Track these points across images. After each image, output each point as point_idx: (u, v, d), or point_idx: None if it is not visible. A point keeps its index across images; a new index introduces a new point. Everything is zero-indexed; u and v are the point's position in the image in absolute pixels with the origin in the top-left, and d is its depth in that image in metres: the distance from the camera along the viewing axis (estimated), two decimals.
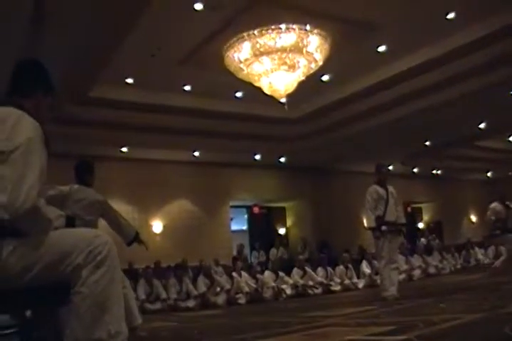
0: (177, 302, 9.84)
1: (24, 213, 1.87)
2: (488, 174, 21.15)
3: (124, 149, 12.85)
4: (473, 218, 21.71)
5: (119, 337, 1.94)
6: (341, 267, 11.74)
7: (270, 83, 8.95)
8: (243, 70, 8.84)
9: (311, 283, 10.92)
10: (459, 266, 14.34)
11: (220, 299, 9.84)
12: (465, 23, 8.53)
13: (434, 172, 19.51)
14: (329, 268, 11.63)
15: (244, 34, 8.21)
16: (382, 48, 9.52)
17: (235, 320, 6.72)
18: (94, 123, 10.85)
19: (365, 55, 9.56)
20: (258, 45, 8.29)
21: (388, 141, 13.83)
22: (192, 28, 8.30)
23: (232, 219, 16.25)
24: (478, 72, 9.76)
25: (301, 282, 10.85)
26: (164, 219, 14.14)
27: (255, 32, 8.15)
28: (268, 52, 8.41)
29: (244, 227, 18.10)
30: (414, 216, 20.34)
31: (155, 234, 13.72)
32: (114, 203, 5.28)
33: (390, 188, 7.31)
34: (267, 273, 11.07)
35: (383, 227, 6.96)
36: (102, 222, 4.94)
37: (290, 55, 8.45)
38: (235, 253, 14.44)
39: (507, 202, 9.22)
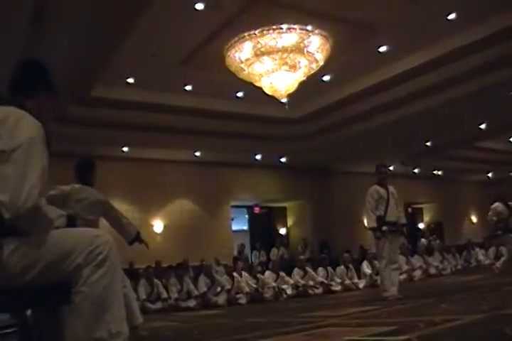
0: (178, 301, 9.84)
1: (25, 212, 1.87)
2: (489, 175, 21.15)
3: (125, 149, 12.86)
4: (474, 219, 21.72)
5: (119, 337, 1.94)
6: (342, 267, 11.74)
7: (271, 83, 8.95)
8: (244, 70, 8.85)
9: (311, 283, 10.93)
10: (459, 267, 14.34)
11: (221, 299, 9.85)
12: (465, 24, 8.54)
13: (435, 172, 19.50)
14: (330, 268, 11.63)
15: (246, 34, 8.21)
16: (383, 49, 9.53)
17: (236, 319, 6.72)
18: (96, 123, 10.86)
19: (366, 55, 9.57)
20: (259, 45, 8.30)
21: (389, 141, 13.83)
22: (193, 28, 8.31)
23: (233, 219, 16.25)
24: (478, 73, 9.76)
25: (302, 282, 10.86)
26: (165, 218, 14.14)
27: (256, 32, 8.16)
28: (269, 52, 8.42)
29: (245, 227, 18.11)
30: (414, 216, 20.35)
31: (156, 233, 13.73)
32: (115, 203, 5.28)
33: (391, 188, 7.31)
34: (267, 273, 11.08)
35: (384, 227, 6.96)
36: (103, 222, 4.94)
37: (291, 55, 8.45)
38: (235, 253, 14.46)
39: (509, 203, 9.22)
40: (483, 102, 11.48)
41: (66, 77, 8.03)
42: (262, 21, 7.97)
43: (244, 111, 11.56)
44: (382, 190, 7.19)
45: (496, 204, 9.28)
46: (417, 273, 12.44)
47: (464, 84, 10.24)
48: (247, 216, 17.81)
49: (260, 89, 9.26)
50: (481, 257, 14.92)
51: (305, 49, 8.43)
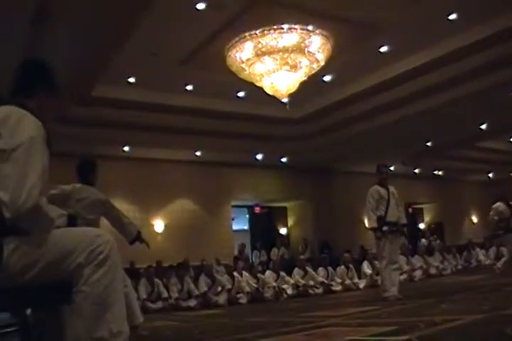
0: (178, 301, 9.85)
1: (26, 212, 1.87)
2: (490, 175, 21.14)
3: (126, 148, 12.87)
4: (475, 219, 21.71)
5: (120, 336, 1.95)
6: (342, 267, 11.75)
7: (272, 83, 8.95)
8: (245, 70, 8.85)
9: (312, 283, 10.93)
10: (460, 267, 14.34)
11: (221, 298, 9.85)
12: (467, 24, 8.54)
13: (436, 172, 19.50)
14: (330, 268, 11.64)
15: (246, 34, 8.21)
16: (384, 49, 9.53)
17: (236, 319, 6.73)
18: (96, 122, 10.86)
19: (367, 55, 9.57)
20: (260, 45, 8.29)
21: (390, 141, 13.82)
22: (194, 28, 8.31)
23: (233, 219, 16.26)
24: (480, 73, 9.76)
25: (302, 282, 10.86)
26: (166, 218, 14.15)
27: (257, 32, 8.15)
28: (270, 52, 8.41)
29: (246, 227, 18.12)
30: (415, 216, 20.34)
31: (156, 233, 13.73)
32: (116, 202, 5.29)
33: (391, 189, 7.31)
34: (268, 272, 11.09)
35: (384, 228, 6.96)
36: (104, 221, 4.95)
37: (292, 55, 8.45)
38: (236, 252, 14.47)
39: (510, 202, 9.23)
40: (485, 102, 11.47)
41: (66, 77, 8.03)
42: (263, 21, 7.97)
43: (245, 111, 11.56)
44: (382, 190, 7.20)
45: (498, 203, 9.30)
46: (418, 274, 12.44)
47: (465, 84, 10.24)
48: (247, 216, 17.81)
49: (261, 89, 9.26)
50: (481, 257, 14.91)
51: (306, 49, 8.43)
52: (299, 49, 8.40)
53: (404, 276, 11.20)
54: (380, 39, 9.14)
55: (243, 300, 10.00)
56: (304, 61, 8.68)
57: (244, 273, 10.70)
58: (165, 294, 9.86)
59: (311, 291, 10.72)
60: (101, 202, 4.82)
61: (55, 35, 7.42)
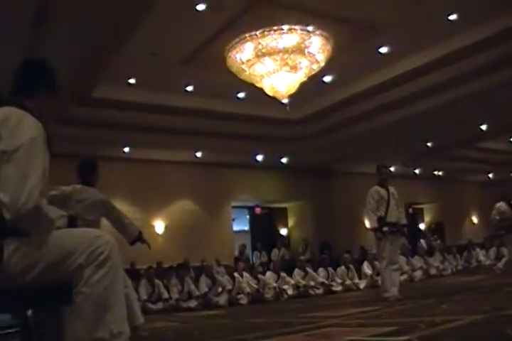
0: (179, 302, 9.85)
1: (26, 213, 1.87)
2: (490, 175, 21.14)
3: (127, 149, 12.87)
4: (475, 219, 21.71)
5: (121, 337, 1.95)
6: (343, 268, 11.75)
7: (272, 84, 8.95)
8: (245, 71, 8.85)
9: (312, 283, 10.93)
10: (460, 267, 14.34)
11: (222, 299, 9.85)
12: (467, 24, 8.54)
13: (436, 173, 19.49)
14: (330, 269, 11.64)
15: (247, 35, 8.21)
16: (384, 49, 9.53)
17: (237, 320, 6.72)
18: (97, 123, 10.87)
19: (367, 55, 9.57)
20: (260, 46, 8.29)
21: (390, 141, 13.83)
22: (194, 29, 8.32)
23: (234, 220, 16.26)
24: (480, 73, 9.77)
25: (303, 282, 10.87)
26: (166, 219, 14.15)
27: (257, 33, 8.15)
28: (270, 53, 8.41)
29: (246, 228, 18.12)
30: (415, 217, 20.33)
31: (157, 234, 13.73)
32: (117, 203, 5.28)
33: (391, 189, 7.31)
34: (268, 273, 11.09)
35: (385, 228, 6.97)
36: (104, 222, 4.94)
37: (292, 56, 8.45)
38: (236, 253, 14.47)
39: None
40: (485, 102, 11.48)
41: (66, 78, 8.02)
42: (263, 22, 7.97)
43: (245, 112, 11.56)
44: (382, 191, 7.20)
45: (500, 203, 9.31)
46: (418, 274, 12.45)
47: (465, 85, 10.24)
48: (248, 216, 17.81)
49: (261, 89, 9.26)
50: (481, 258, 14.90)
51: (306, 50, 8.43)
52: (299, 50, 8.40)
53: (404, 277, 11.20)
54: (380, 39, 9.15)
55: (244, 300, 10.00)
56: (304, 62, 8.68)
57: (245, 273, 10.70)
58: (165, 295, 9.86)
59: (311, 292, 10.72)
60: (101, 203, 4.82)
61: (55, 35, 7.43)
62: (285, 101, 9.52)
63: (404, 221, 7.34)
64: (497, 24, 8.42)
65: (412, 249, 14.17)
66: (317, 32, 8.33)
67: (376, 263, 10.25)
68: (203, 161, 14.35)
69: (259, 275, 10.83)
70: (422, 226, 20.84)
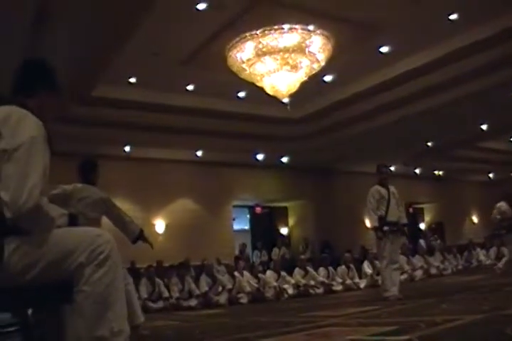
0: (179, 301, 9.85)
1: (26, 212, 1.87)
2: (490, 175, 21.13)
3: (127, 148, 12.87)
4: (475, 219, 21.70)
5: (121, 335, 1.95)
6: (343, 267, 11.75)
7: (272, 83, 8.95)
8: (246, 70, 8.85)
9: (312, 282, 10.94)
10: (460, 267, 14.33)
11: (222, 298, 9.86)
12: (467, 24, 8.53)
13: (436, 173, 19.48)
14: (331, 268, 11.64)
15: (247, 34, 8.21)
16: (385, 49, 9.53)
17: (237, 319, 6.73)
18: (97, 122, 10.86)
19: (367, 55, 9.57)
20: (261, 45, 8.29)
21: (390, 141, 13.82)
22: (195, 28, 8.32)
23: (234, 219, 16.26)
24: (480, 73, 9.76)
25: (303, 282, 10.87)
26: (167, 218, 14.15)
27: (258, 32, 8.15)
28: (271, 53, 8.41)
29: (247, 227, 18.12)
30: (416, 216, 20.33)
31: (157, 233, 13.73)
32: (117, 202, 5.28)
33: (392, 188, 7.32)
34: (268, 272, 11.09)
35: (385, 228, 6.97)
36: (105, 221, 4.95)
37: (293, 55, 8.45)
38: (237, 252, 14.48)
39: None
40: (485, 102, 11.48)
41: (67, 77, 8.02)
42: (264, 21, 7.97)
43: (245, 111, 11.56)
44: (383, 190, 7.21)
45: (501, 203, 9.32)
46: (418, 273, 12.45)
47: (465, 85, 10.24)
48: (248, 216, 17.80)
49: (262, 89, 9.26)
50: (482, 257, 14.91)
51: (307, 49, 8.42)
52: (300, 49, 8.40)
53: (404, 276, 11.21)
54: (381, 39, 9.15)
55: (244, 299, 10.00)
56: (305, 61, 8.68)
57: (245, 272, 10.71)
58: (166, 294, 9.86)
59: (311, 291, 10.72)
60: (102, 201, 4.83)
61: (55, 35, 7.43)
62: (285, 100, 9.52)
63: (404, 220, 7.34)
64: (497, 24, 8.42)
65: (412, 248, 14.17)
66: (318, 31, 8.33)
67: (376, 262, 10.25)
68: (203, 160, 14.35)
69: (260, 275, 10.83)
70: (422, 225, 20.83)
